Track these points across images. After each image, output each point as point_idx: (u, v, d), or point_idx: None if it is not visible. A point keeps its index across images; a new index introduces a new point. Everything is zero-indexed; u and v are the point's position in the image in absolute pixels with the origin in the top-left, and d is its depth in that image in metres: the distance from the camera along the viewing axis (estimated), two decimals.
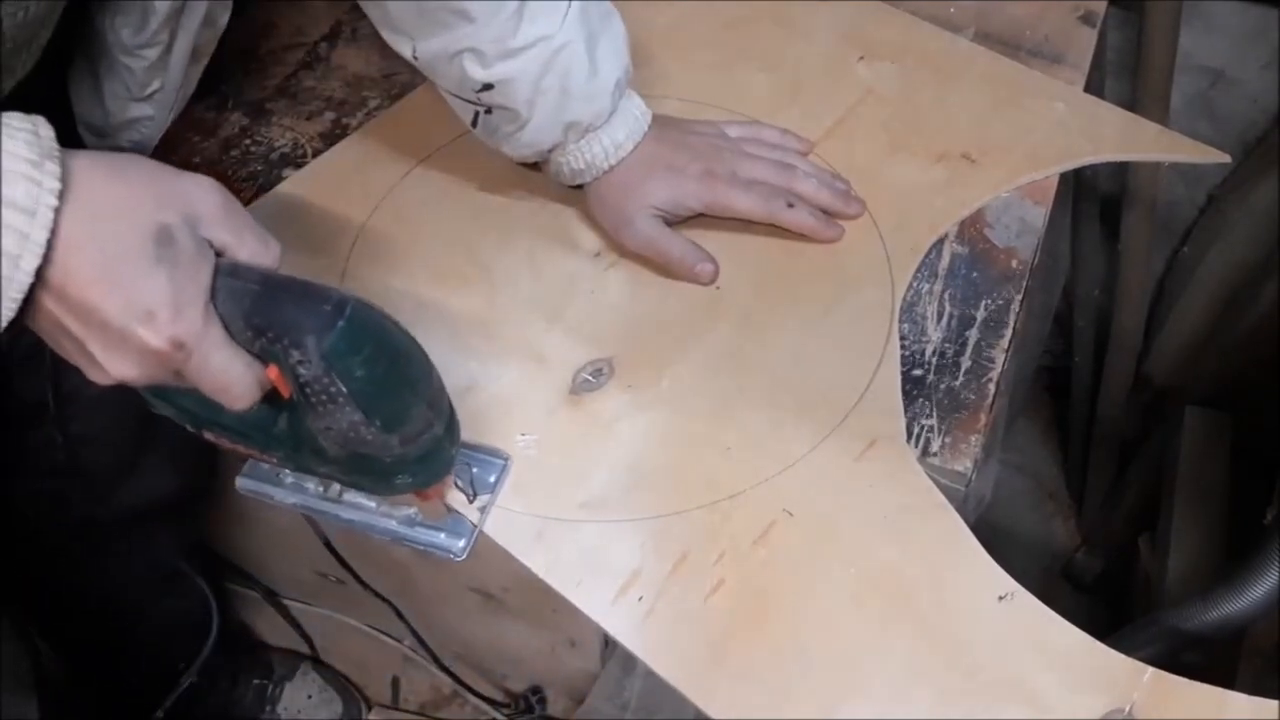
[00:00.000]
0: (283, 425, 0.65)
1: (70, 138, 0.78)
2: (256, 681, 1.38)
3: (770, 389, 0.80)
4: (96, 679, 1.17)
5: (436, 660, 1.30)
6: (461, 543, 0.72)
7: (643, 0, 1.04)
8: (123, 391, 0.60)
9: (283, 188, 0.97)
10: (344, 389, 0.58)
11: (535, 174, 0.94)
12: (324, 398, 0.59)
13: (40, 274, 0.52)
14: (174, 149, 1.01)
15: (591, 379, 0.82)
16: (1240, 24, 1.36)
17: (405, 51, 0.84)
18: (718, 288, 0.87)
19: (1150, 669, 0.66)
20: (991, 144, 0.97)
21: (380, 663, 1.43)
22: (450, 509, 0.74)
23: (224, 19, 0.81)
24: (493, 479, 0.75)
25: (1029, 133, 0.99)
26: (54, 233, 0.51)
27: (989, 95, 1.02)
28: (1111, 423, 1.70)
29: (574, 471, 0.76)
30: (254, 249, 0.59)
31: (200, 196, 0.58)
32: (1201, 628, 1.00)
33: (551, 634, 1.19)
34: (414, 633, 1.24)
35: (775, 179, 0.90)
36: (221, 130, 1.05)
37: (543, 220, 0.93)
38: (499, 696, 1.37)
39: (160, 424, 0.83)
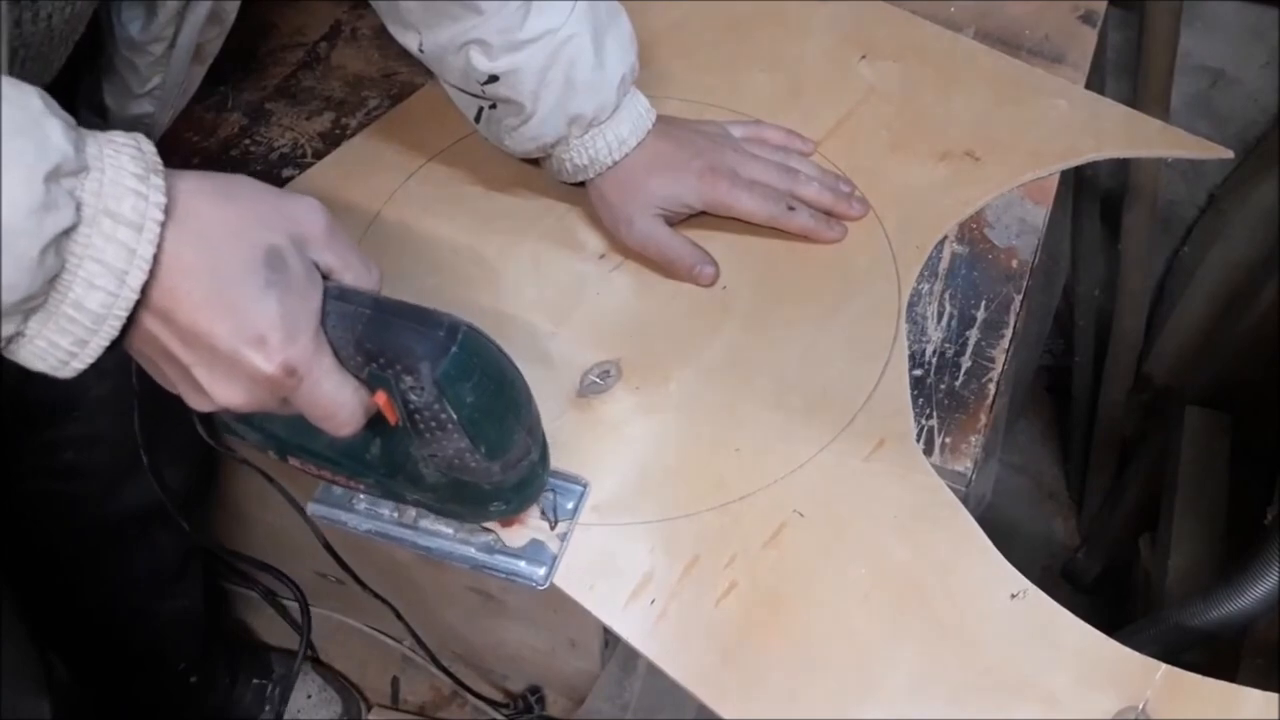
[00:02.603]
0: (376, 451, 0.64)
1: None
2: (256, 681, 1.37)
3: (778, 389, 0.80)
4: (97, 680, 1.17)
5: (436, 661, 1.29)
6: (543, 571, 0.71)
7: (645, 1, 1.04)
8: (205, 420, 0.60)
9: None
10: (454, 416, 0.58)
11: (538, 176, 0.94)
12: (433, 424, 0.58)
13: (145, 294, 0.51)
14: (174, 149, 1.01)
15: (599, 381, 0.81)
16: (1240, 23, 1.36)
17: (411, 45, 0.84)
18: (724, 288, 0.87)
19: (1164, 666, 0.66)
20: (995, 142, 0.97)
21: (380, 663, 1.43)
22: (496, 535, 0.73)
23: (231, 17, 0.80)
24: (571, 505, 0.74)
25: (1032, 130, 0.99)
26: (160, 249, 0.50)
27: (991, 93, 1.02)
28: (1112, 422, 1.70)
29: (583, 474, 0.76)
30: (359, 272, 0.59)
31: (307, 218, 0.57)
32: (1202, 627, 1.00)
33: (551, 634, 1.19)
34: (413, 633, 1.24)
35: (777, 182, 0.90)
36: (221, 130, 1.05)
37: (547, 223, 0.93)
38: (498, 697, 1.37)
39: (161, 426, 0.82)
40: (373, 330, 0.57)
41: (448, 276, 0.89)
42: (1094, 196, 1.51)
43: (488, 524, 0.72)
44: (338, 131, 1.04)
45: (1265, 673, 1.08)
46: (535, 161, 0.93)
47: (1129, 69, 1.38)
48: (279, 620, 1.41)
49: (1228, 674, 1.09)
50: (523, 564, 0.71)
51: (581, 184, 0.91)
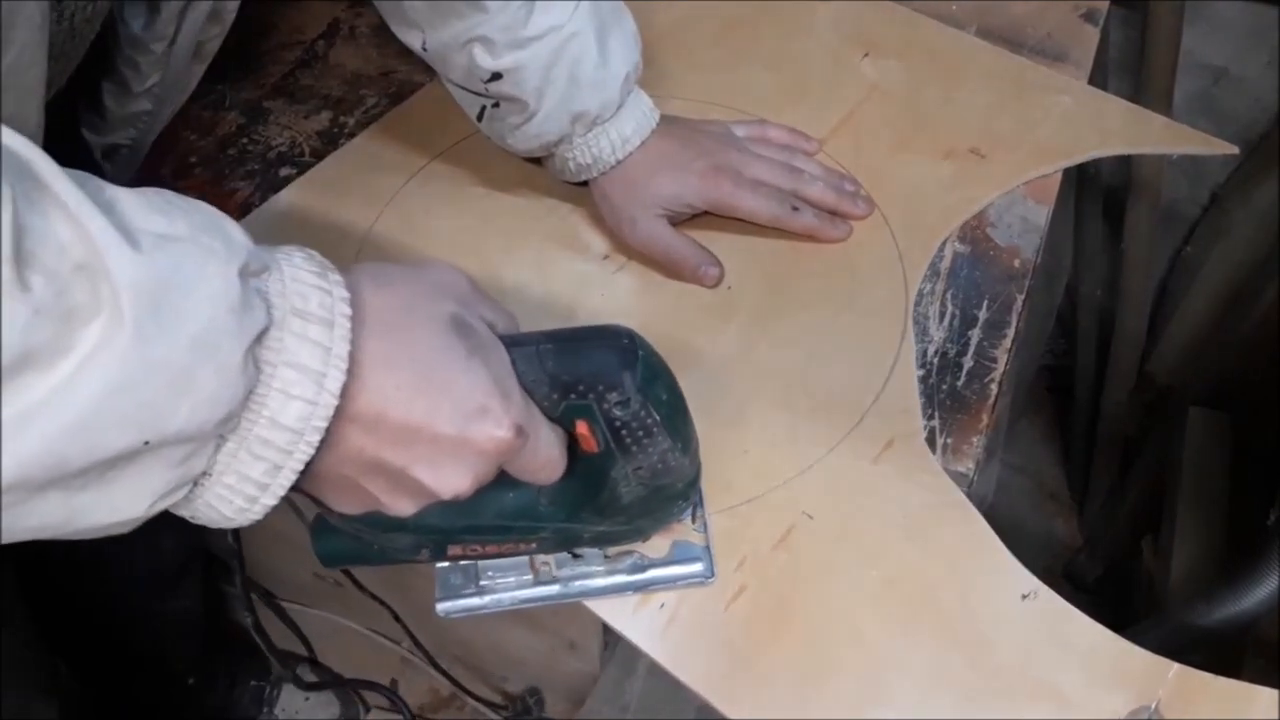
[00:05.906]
0: (546, 500, 0.62)
1: (75, 135, 0.77)
2: (255, 683, 1.37)
3: (786, 390, 0.80)
4: (98, 680, 1.16)
5: (434, 662, 1.29)
6: (701, 565, 0.69)
7: (647, 0, 1.03)
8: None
9: (285, 194, 0.96)
10: (657, 418, 0.57)
11: (541, 176, 0.93)
12: (640, 433, 0.58)
13: (346, 402, 0.47)
14: (171, 148, 1.00)
15: None
16: (1242, 22, 1.36)
17: (415, 44, 0.83)
18: (729, 288, 0.87)
19: (1175, 665, 0.65)
20: (999, 139, 0.97)
21: (378, 665, 1.42)
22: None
23: (231, 16, 0.80)
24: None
25: (1036, 127, 0.98)
26: (355, 346, 0.47)
27: (994, 90, 1.02)
28: (1114, 423, 1.70)
29: None
30: (506, 318, 0.58)
31: (454, 279, 0.56)
32: (1205, 628, 1.00)
33: (550, 636, 1.18)
34: (411, 635, 1.24)
35: (782, 181, 0.89)
36: (219, 129, 1.04)
37: (550, 224, 0.92)
38: (497, 699, 1.36)
39: None
40: (564, 361, 0.56)
41: None
42: (1096, 196, 1.51)
43: (629, 545, 0.70)
44: (335, 130, 1.04)
45: (1268, 673, 1.08)
46: (537, 161, 0.92)
47: (1131, 68, 1.38)
48: (277, 622, 1.41)
49: (1231, 675, 1.09)
50: (679, 568, 0.70)
51: (584, 184, 0.90)
